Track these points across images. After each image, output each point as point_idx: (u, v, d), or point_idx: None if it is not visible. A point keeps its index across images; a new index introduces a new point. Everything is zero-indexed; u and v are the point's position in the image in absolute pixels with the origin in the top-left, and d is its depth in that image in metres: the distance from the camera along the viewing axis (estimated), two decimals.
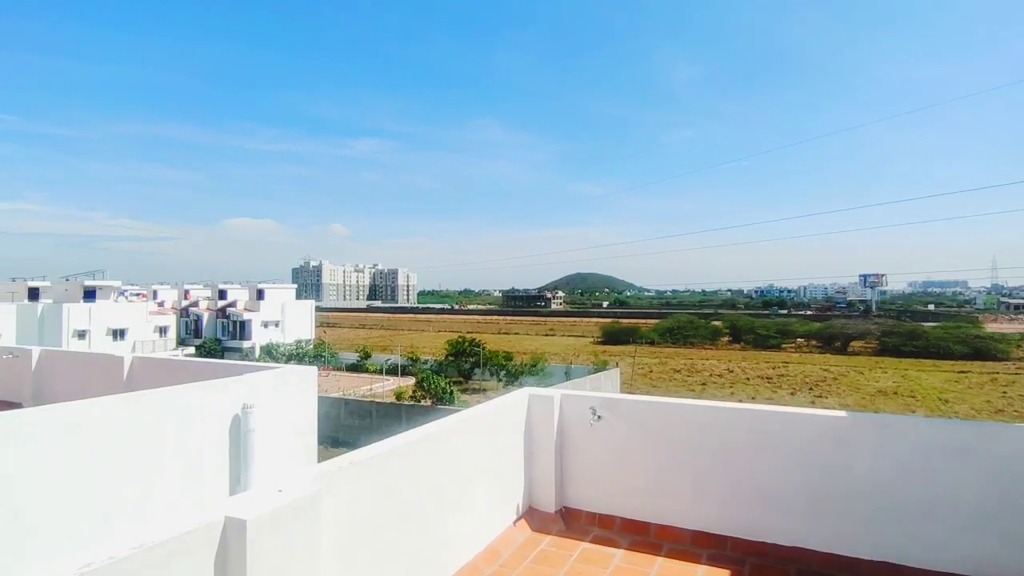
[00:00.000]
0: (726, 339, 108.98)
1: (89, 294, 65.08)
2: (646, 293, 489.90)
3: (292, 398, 8.30)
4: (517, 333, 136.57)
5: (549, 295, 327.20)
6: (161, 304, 79.08)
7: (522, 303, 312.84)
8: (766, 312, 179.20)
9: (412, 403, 40.96)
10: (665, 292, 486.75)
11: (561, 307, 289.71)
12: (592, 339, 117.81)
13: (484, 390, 57.31)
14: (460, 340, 66.01)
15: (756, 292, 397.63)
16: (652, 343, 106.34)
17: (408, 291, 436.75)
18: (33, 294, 66.98)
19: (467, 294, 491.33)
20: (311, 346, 76.91)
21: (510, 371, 56.17)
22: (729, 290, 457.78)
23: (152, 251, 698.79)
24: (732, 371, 73.36)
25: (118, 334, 64.27)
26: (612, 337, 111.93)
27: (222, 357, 71.33)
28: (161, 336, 68.29)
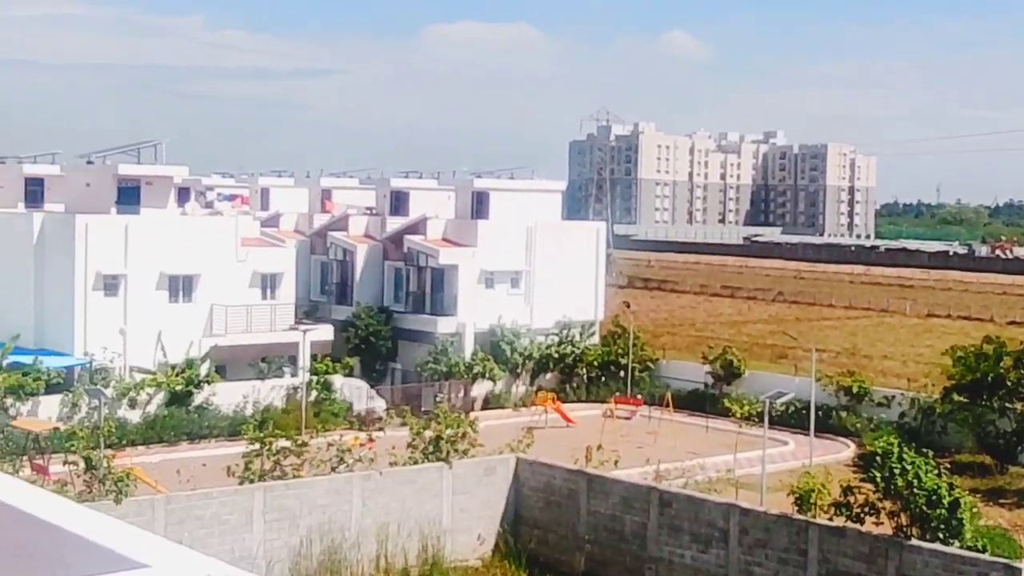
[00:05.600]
0: None
1: (128, 194, 34.47)
2: None
3: None
4: None
5: None
6: (273, 221, 44.55)
7: None
8: None
9: (845, 525, 17.47)
10: None
11: None
12: None
13: None
14: (992, 349, 32.09)
15: None
16: None
17: (853, 202, 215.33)
18: (34, 194, 36.98)
19: (1016, 215, 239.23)
20: (594, 337, 41.54)
21: None
22: None
23: (281, 99, 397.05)
24: None
25: (182, 288, 33.54)
26: None
27: (392, 350, 39.17)
28: (267, 295, 36.48)
